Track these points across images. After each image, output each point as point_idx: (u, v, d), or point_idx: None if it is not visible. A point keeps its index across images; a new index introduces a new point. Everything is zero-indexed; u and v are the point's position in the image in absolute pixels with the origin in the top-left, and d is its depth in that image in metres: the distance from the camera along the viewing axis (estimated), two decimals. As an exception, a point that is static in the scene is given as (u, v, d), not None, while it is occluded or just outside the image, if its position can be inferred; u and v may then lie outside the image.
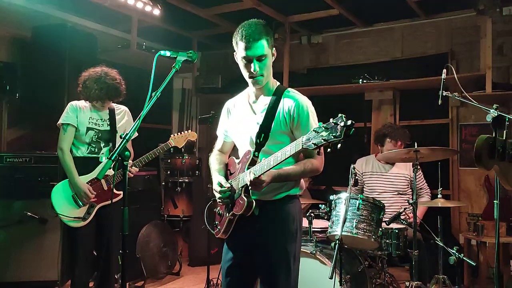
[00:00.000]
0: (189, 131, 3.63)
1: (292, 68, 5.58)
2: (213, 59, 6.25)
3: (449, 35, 4.98)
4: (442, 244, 3.06)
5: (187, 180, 5.25)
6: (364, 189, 4.11)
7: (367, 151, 4.97)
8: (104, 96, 3.15)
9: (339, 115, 1.69)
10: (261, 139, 2.04)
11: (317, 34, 5.69)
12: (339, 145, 1.67)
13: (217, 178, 2.20)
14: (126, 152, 1.85)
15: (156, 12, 4.32)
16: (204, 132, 6.10)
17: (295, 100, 2.10)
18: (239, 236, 2.17)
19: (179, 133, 3.57)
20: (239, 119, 2.26)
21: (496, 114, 2.67)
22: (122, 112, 3.36)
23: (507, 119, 2.76)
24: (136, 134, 3.45)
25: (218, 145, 2.43)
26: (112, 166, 1.88)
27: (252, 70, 2.06)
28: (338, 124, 1.66)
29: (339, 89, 5.23)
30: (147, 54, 4.98)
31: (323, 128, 1.70)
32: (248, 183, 1.97)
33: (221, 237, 2.13)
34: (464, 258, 2.91)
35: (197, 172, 5.42)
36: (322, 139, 1.70)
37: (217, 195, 2.15)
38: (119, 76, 3.24)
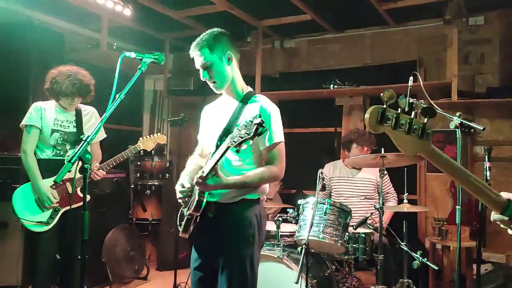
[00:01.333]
0: (159, 134, 3.59)
1: (264, 72, 5.60)
2: (185, 61, 6.18)
3: (418, 43, 5.09)
4: (406, 249, 3.11)
5: (156, 183, 5.19)
6: (332, 193, 4.15)
7: (337, 156, 5.02)
8: (76, 92, 3.06)
9: (257, 114, 1.82)
10: (221, 142, 2.05)
11: (289, 38, 5.73)
12: (245, 146, 1.79)
13: (181, 179, 2.23)
14: (87, 155, 1.81)
15: (127, 12, 4.25)
16: (176, 134, 6.04)
17: (259, 105, 2.14)
18: (201, 239, 2.19)
19: (148, 136, 3.53)
20: (210, 123, 2.32)
21: (459, 122, 2.75)
22: (89, 113, 3.28)
23: (469, 128, 2.85)
24: (104, 135, 3.41)
25: (198, 149, 2.47)
26: (71, 169, 1.82)
27: (201, 78, 2.18)
28: (253, 122, 1.77)
29: (311, 94, 5.27)
30: (118, 55, 4.84)
31: (243, 126, 1.80)
32: (194, 182, 2.02)
33: (183, 236, 2.12)
34: (427, 262, 2.96)
35: (167, 175, 5.36)
36: (239, 136, 1.79)
37: (177, 195, 2.18)
38: (89, 75, 3.19)
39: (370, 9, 4.59)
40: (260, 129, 1.77)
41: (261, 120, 1.76)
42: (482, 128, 2.74)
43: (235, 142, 1.80)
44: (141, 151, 3.55)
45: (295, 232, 3.13)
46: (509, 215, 1.29)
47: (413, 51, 5.10)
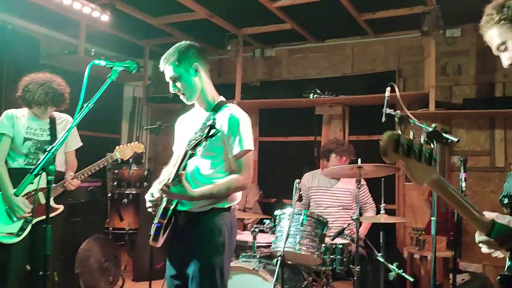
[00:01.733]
0: (136, 142, 3.54)
1: (245, 80, 5.59)
2: (166, 68, 6.15)
3: (397, 53, 5.14)
4: (382, 260, 3.10)
5: (134, 192, 5.10)
6: (310, 203, 4.13)
7: (317, 165, 5.01)
8: (49, 102, 3.00)
9: (212, 117, 1.96)
10: (193, 151, 2.10)
11: (270, 47, 5.73)
12: (200, 148, 1.93)
13: (152, 188, 2.25)
14: (51, 166, 1.74)
15: (105, 18, 4.18)
16: (155, 142, 5.96)
17: (228, 114, 2.20)
18: (174, 248, 2.24)
19: (125, 144, 3.48)
20: (182, 133, 2.37)
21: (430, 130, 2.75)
22: (64, 121, 3.21)
23: (446, 138, 2.86)
24: (79, 144, 3.34)
25: (172, 159, 2.49)
26: (33, 181, 1.76)
27: (171, 91, 2.27)
28: (206, 124, 1.91)
29: (291, 103, 5.26)
30: (96, 61, 4.81)
31: (199, 129, 1.93)
32: (159, 189, 2.06)
33: (153, 245, 2.13)
34: (403, 274, 2.95)
35: (145, 183, 5.27)
36: (194, 139, 1.91)
37: (147, 205, 2.22)
38: (64, 83, 3.12)
39: (350, 20, 4.62)
40: (212, 131, 1.87)
41: (213, 122, 1.88)
42: (456, 140, 2.75)
43: (190, 145, 1.89)
44: (119, 159, 3.49)
45: (271, 243, 3.09)
46: (495, 237, 1.28)
47: (392, 62, 5.15)
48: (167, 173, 2.35)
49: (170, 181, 1.98)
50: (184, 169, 2.02)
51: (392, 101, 3.23)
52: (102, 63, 2.00)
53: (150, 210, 2.20)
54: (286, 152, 5.51)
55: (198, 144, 1.89)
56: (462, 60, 4.77)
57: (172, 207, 2.08)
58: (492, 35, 1.46)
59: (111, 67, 2.01)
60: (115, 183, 5.17)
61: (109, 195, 5.18)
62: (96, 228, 4.36)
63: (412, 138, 1.12)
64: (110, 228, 4.96)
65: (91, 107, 1.89)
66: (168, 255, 2.29)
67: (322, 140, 5.24)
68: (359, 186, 3.19)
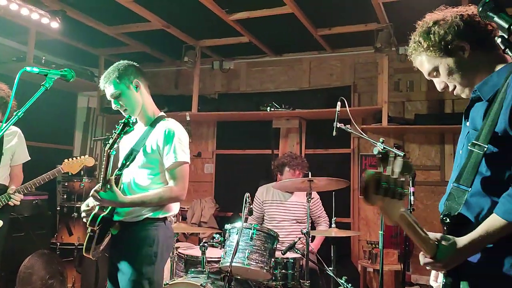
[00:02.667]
0: (87, 156, 3.44)
1: (203, 92, 5.54)
2: (123, 78, 6.01)
3: (353, 69, 5.23)
4: (332, 274, 3.09)
5: (85, 205, 4.90)
6: (265, 217, 4.09)
7: (273, 178, 4.98)
8: None
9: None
10: (127, 161, 2.21)
11: (229, 60, 5.72)
12: (116, 146, 2.02)
13: (88, 199, 2.26)
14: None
15: (55, 25, 4.04)
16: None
17: (164, 127, 2.28)
18: (111, 258, 2.28)
19: (73, 158, 3.37)
20: (123, 147, 2.41)
21: (382, 147, 2.79)
22: (11, 133, 3.10)
23: (391, 155, 2.91)
24: (27, 158, 3.24)
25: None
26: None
27: (113, 107, 2.35)
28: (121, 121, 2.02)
29: (249, 116, 5.25)
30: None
31: (116, 128, 2.03)
32: (90, 195, 2.11)
33: (86, 256, 2.16)
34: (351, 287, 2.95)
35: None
36: (110, 137, 2.01)
37: (82, 215, 2.26)
38: (6, 88, 3.03)
39: (307, 35, 4.67)
40: (127, 128, 1.98)
41: (127, 119, 1.98)
42: (402, 154, 2.79)
43: (108, 143, 1.97)
44: (69, 172, 3.38)
45: (221, 258, 3.02)
46: (439, 259, 1.29)
47: (348, 77, 5.23)
48: None
49: (99, 186, 2.02)
50: (117, 180, 2.06)
51: (345, 116, 3.28)
52: (35, 70, 1.91)
53: (85, 220, 2.21)
54: (243, 165, 5.47)
55: (114, 143, 1.96)
56: (414, 77, 4.91)
57: (102, 214, 2.10)
58: (422, 61, 1.51)
59: (46, 75, 1.92)
60: (65, 196, 4.95)
61: (58, 208, 4.96)
62: (41, 243, 4.15)
63: (389, 174, 1.11)
64: (58, 244, 4.73)
65: (20, 116, 1.79)
66: (108, 268, 2.33)
67: (280, 153, 5.23)
68: (309, 199, 3.19)
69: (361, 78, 5.18)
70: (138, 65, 2.44)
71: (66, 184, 4.98)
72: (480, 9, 1.26)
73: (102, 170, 2.07)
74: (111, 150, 1.99)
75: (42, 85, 1.91)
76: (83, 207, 2.25)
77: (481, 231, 1.27)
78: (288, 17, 4.20)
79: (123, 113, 2.33)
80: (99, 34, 4.81)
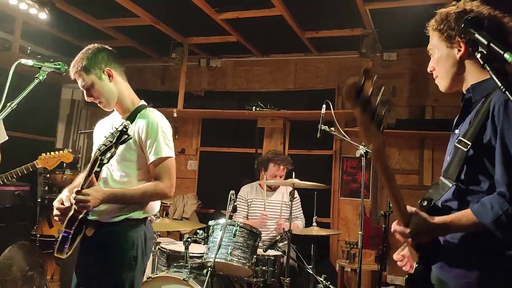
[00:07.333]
0: (65, 150, 3.38)
1: (189, 89, 5.56)
2: (108, 71, 5.98)
3: (338, 72, 5.32)
4: (311, 272, 3.17)
5: (66, 198, 4.88)
6: (249, 215, 4.15)
7: (257, 177, 5.05)
8: None
9: (125, 122, 1.86)
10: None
11: (216, 58, 5.76)
12: (109, 154, 1.82)
13: (61, 194, 2.09)
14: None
15: (43, 16, 4.01)
16: (91, 147, 5.76)
17: (146, 119, 2.08)
18: (81, 261, 2.08)
19: (50, 153, 3.30)
20: (99, 138, 2.22)
21: (364, 151, 2.88)
22: None
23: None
24: (4, 138, 3.15)
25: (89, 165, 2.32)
26: None
27: (86, 99, 2.14)
28: (117, 129, 1.82)
29: (234, 114, 5.30)
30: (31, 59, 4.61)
31: (110, 134, 1.83)
32: (71, 200, 1.91)
33: (58, 256, 1.95)
34: (330, 286, 3.03)
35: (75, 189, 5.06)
36: (104, 144, 1.82)
37: (54, 212, 2.05)
38: None
39: (294, 37, 4.74)
40: (124, 136, 1.78)
41: (124, 126, 1.78)
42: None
43: (100, 150, 1.79)
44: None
45: (203, 253, 3.07)
46: (411, 228, 1.36)
47: (333, 80, 5.32)
48: (81, 178, 2.20)
49: (81, 188, 1.86)
50: (96, 176, 1.90)
51: (329, 118, 3.36)
52: (30, 62, 1.92)
53: (57, 218, 2.04)
54: (227, 163, 5.52)
55: (107, 149, 1.79)
56: (397, 83, 5.03)
57: (80, 216, 1.92)
58: (432, 36, 1.56)
59: (40, 67, 1.94)
60: (46, 188, 4.93)
61: (39, 200, 4.93)
62: (22, 234, 4.13)
63: (371, 94, 1.15)
64: (38, 235, 4.70)
65: (14, 107, 1.80)
66: (75, 267, 2.13)
67: (263, 152, 5.29)
68: (291, 199, 3.26)
69: (346, 82, 5.26)
70: (110, 48, 2.19)
71: (47, 175, 4.95)
72: (463, 25, 1.34)
73: (86, 173, 1.91)
74: (103, 158, 1.82)
75: (36, 77, 1.92)
76: (56, 204, 2.04)
77: (454, 218, 1.36)
78: (277, 19, 4.27)
79: (99, 105, 2.15)
80: (87, 27, 4.80)
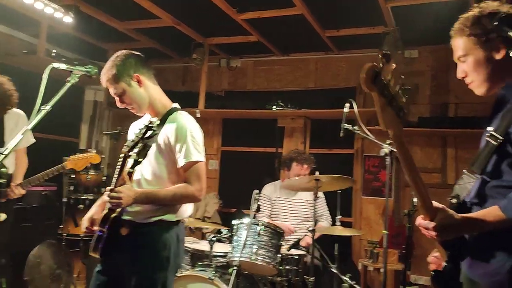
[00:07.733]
0: (94, 152, 3.42)
1: (210, 89, 5.60)
2: (130, 73, 6.06)
3: (358, 70, 5.24)
4: (336, 271, 3.16)
5: (91, 197, 4.95)
6: (271, 214, 4.16)
7: (277, 176, 5.06)
8: None
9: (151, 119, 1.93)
10: (139, 156, 1.98)
11: (236, 58, 5.78)
12: (136, 149, 1.87)
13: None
14: (2, 169, 1.70)
15: (68, 19, 4.10)
16: (114, 148, 5.85)
17: (175, 123, 2.11)
18: (114, 259, 2.08)
19: (79, 154, 3.35)
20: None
21: (389, 149, 2.86)
22: (14, 117, 3.15)
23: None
24: (32, 141, 3.24)
25: None
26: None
27: (118, 106, 2.19)
28: (145, 125, 1.89)
29: (254, 114, 5.32)
30: (56, 62, 4.69)
31: (138, 130, 1.89)
32: (106, 200, 1.96)
33: (93, 255, 2.01)
34: (355, 285, 3.03)
35: (103, 189, 5.14)
36: (132, 140, 1.88)
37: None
38: (10, 84, 3.08)
39: (315, 35, 4.74)
40: (149, 132, 1.82)
41: (150, 122, 1.83)
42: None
43: (128, 146, 1.84)
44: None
45: (228, 252, 3.10)
46: (437, 223, 1.34)
47: (354, 78, 5.29)
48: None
49: (114, 186, 1.91)
50: (129, 176, 1.93)
51: (351, 117, 3.35)
52: (62, 66, 1.96)
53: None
54: (248, 162, 5.55)
55: (134, 145, 1.83)
56: (419, 80, 4.97)
57: (113, 214, 1.96)
58: (459, 44, 1.52)
59: (71, 71, 1.98)
60: (72, 188, 5.01)
61: (65, 200, 5.03)
62: (49, 233, 4.22)
63: (389, 79, 1.14)
64: (64, 234, 4.79)
65: (49, 110, 1.85)
66: (102, 265, 2.15)
67: (284, 151, 5.30)
68: (315, 198, 3.26)
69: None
70: (138, 53, 2.22)
71: (72, 176, 5.04)
72: (496, 22, 1.32)
73: (116, 172, 1.95)
74: (131, 154, 1.86)
75: (67, 81, 1.97)
76: (86, 222, 2.11)
77: (480, 215, 1.35)
78: (297, 18, 4.27)
79: (131, 111, 2.21)
80: (110, 29, 4.88)
